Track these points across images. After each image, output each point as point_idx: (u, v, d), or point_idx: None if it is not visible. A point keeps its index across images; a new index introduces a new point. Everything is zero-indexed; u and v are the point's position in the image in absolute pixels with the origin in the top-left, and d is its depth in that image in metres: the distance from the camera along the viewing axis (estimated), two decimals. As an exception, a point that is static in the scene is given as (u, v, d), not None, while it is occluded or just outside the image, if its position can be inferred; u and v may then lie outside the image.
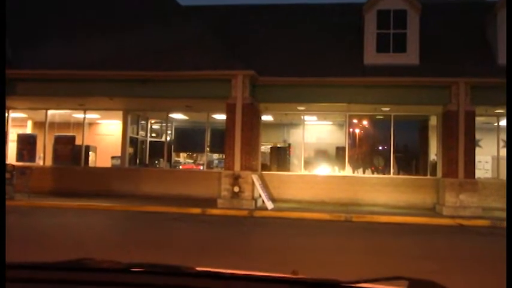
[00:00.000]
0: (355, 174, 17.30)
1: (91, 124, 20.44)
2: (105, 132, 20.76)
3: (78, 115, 18.68)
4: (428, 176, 16.74)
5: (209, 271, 1.46)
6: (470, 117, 14.77)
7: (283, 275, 1.47)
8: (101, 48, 15.55)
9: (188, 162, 20.42)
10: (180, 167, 19.73)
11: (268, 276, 1.44)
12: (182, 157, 20.60)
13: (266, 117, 18.07)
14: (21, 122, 20.28)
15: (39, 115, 18.88)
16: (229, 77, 15.05)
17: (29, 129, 20.51)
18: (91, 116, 19.28)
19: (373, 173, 17.57)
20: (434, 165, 16.65)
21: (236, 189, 14.63)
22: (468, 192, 14.40)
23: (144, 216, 13.13)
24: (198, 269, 1.46)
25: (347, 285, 1.36)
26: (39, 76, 15.53)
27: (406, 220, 13.24)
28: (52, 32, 16.74)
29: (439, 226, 12.80)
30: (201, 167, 19.08)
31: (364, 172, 17.62)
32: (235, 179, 14.70)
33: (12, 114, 18.64)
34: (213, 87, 15.18)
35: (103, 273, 1.47)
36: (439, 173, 15.81)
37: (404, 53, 15.51)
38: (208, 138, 18.31)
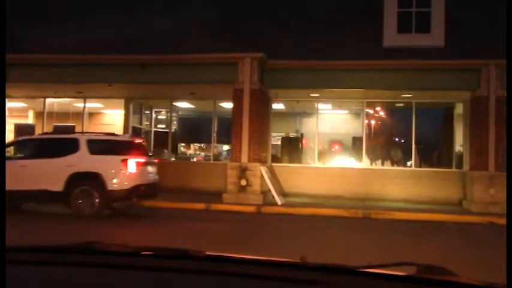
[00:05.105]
0: (373, 166, 16.01)
1: (92, 114, 19.50)
2: (107, 122, 19.80)
3: (78, 104, 17.71)
4: (454, 169, 15.39)
5: (218, 255, 1.48)
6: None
7: (292, 260, 1.47)
8: (98, 31, 14.45)
9: (197, 154, 19.27)
10: (195, 159, 18.63)
11: (277, 261, 1.46)
12: (193, 149, 19.49)
13: (277, 106, 16.89)
14: (22, 112, 19.47)
15: (38, 104, 17.96)
16: (236, 60, 13.85)
17: (30, 120, 19.71)
18: (92, 105, 18.29)
19: (392, 165, 16.25)
20: (460, 156, 15.31)
21: (243, 182, 13.47)
22: (499, 186, 13.02)
23: (140, 212, 12.09)
24: (207, 253, 1.48)
25: (356, 270, 1.36)
26: (33, 61, 14.52)
27: (430, 217, 11.95)
28: (47, 14, 15.71)
29: (467, 224, 11.51)
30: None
31: (382, 164, 16.29)
32: (243, 172, 13.53)
33: (11, 104, 17.67)
34: (219, 72, 13.99)
35: (112, 256, 1.50)
36: (466, 165, 14.47)
37: (428, 34, 14.13)
38: (215, 128, 17.17)
